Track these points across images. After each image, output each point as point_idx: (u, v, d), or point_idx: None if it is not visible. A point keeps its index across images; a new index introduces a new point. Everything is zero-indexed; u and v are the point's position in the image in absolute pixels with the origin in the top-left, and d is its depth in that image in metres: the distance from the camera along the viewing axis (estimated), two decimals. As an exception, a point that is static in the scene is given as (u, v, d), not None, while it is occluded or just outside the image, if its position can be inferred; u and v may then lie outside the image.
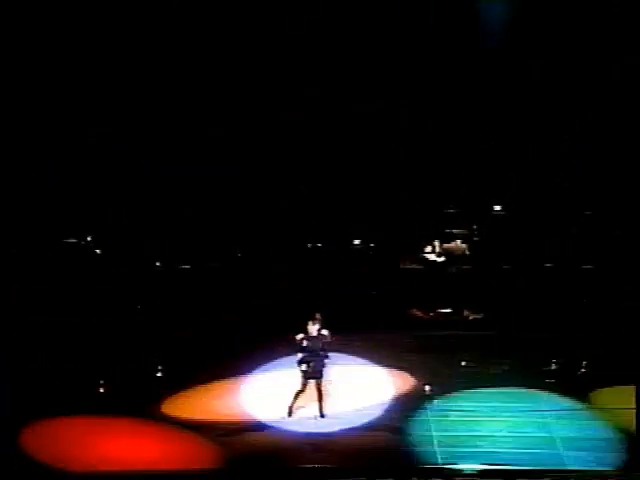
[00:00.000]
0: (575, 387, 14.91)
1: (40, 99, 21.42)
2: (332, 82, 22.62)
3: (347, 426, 14.00)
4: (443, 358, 15.79)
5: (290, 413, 14.22)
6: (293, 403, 14.26)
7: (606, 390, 14.95)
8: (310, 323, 14.13)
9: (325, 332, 14.08)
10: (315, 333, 14.01)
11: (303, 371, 14.02)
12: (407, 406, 14.63)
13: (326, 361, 14.09)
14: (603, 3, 21.58)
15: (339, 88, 22.62)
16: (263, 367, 16.29)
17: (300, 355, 14.08)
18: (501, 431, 13.70)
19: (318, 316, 14.24)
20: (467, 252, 17.38)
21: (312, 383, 14.12)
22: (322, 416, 14.07)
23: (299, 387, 14.17)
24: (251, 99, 22.65)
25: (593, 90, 21.77)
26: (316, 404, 14.28)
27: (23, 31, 21.07)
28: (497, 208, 18.27)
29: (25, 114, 21.35)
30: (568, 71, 22.05)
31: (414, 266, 17.33)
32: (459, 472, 12.48)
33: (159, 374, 16.03)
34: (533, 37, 22.16)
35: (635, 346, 15.73)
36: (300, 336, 13.99)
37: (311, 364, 13.91)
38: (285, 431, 13.92)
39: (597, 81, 21.79)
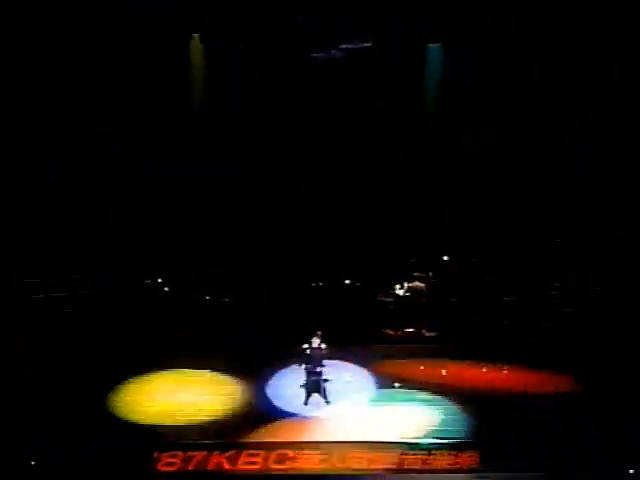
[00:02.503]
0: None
1: (40, 99, 21.43)
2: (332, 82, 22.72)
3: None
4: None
5: (306, 402, 17.26)
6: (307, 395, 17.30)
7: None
8: (313, 337, 17.15)
9: (323, 345, 17.29)
10: (316, 345, 17.20)
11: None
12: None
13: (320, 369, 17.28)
14: (603, 3, 21.60)
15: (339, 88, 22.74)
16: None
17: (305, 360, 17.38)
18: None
19: (320, 333, 17.22)
20: (425, 289, 22.52)
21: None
22: (327, 403, 17.26)
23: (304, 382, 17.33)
24: (251, 99, 22.77)
25: (593, 90, 21.88)
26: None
27: (23, 31, 21.08)
28: (445, 258, 23.04)
29: (25, 114, 21.38)
30: (568, 71, 22.15)
31: (387, 299, 22.46)
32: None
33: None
34: (533, 37, 22.21)
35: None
36: (305, 345, 17.21)
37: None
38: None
39: (597, 81, 21.87)
